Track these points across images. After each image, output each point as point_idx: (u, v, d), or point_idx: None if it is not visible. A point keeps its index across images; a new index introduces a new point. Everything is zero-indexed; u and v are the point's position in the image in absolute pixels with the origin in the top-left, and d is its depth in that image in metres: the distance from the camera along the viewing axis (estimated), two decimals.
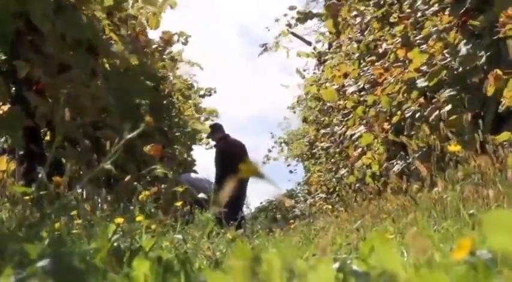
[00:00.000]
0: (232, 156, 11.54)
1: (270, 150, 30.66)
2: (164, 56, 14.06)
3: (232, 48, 73.43)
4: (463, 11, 7.22)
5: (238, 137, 12.94)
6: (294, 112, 24.81)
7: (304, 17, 17.87)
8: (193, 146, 18.34)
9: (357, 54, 11.92)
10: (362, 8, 11.35)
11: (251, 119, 60.82)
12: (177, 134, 14.80)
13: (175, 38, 14.64)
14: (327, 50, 17.85)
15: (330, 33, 15.11)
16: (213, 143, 13.11)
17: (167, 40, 14.02)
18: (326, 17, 13.15)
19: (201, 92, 20.63)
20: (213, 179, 12.42)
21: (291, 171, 28.77)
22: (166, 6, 12.54)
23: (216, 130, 12.77)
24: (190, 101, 19.06)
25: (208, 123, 17.91)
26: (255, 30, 71.80)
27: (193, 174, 14.70)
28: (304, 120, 20.29)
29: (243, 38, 69.52)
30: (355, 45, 12.07)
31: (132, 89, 10.96)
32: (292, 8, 26.27)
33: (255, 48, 79.78)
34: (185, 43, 15.11)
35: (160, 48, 13.42)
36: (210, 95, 20.81)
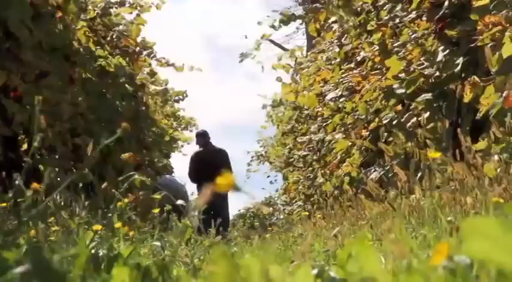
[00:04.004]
0: (206, 163, 11.83)
1: (249, 164, 30.61)
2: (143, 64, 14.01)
3: (198, 56, 72.99)
4: (439, 15, 7.25)
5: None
6: (272, 121, 24.64)
7: (288, 19, 17.80)
8: (172, 154, 18.31)
9: (338, 60, 11.93)
10: (340, 13, 11.32)
11: (221, 127, 60.75)
12: (152, 140, 14.74)
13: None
14: (304, 57, 17.81)
15: (312, 37, 15.10)
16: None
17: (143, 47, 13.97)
18: (309, 19, 13.15)
19: (175, 97, 20.44)
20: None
21: (271, 182, 28.72)
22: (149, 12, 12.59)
23: (199, 137, 13.02)
24: (168, 108, 18.97)
25: (188, 132, 17.98)
26: (220, 39, 71.64)
27: (169, 177, 14.79)
28: (283, 133, 20.28)
29: (208, 46, 69.42)
30: (337, 49, 12.07)
31: (111, 93, 10.97)
32: (275, 11, 26.20)
33: (222, 57, 79.49)
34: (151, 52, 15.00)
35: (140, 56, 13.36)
36: (183, 99, 20.59)
